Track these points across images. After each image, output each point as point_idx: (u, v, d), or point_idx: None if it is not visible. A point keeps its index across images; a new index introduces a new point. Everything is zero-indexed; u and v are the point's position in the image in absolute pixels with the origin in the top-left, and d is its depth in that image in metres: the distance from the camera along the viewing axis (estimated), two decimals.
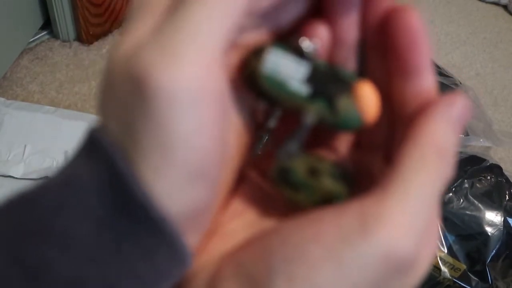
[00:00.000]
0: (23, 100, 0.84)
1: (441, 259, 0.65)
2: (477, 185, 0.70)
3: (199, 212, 0.19)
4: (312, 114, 0.21)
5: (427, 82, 0.21)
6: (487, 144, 0.79)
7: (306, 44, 0.21)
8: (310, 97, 0.21)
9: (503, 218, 0.68)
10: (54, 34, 0.94)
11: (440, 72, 0.86)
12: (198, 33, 0.17)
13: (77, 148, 0.19)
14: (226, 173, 0.22)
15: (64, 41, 0.94)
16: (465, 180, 0.70)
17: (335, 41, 0.22)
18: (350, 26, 0.22)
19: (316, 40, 0.21)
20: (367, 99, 0.21)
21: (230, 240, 0.21)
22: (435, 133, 0.20)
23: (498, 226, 0.67)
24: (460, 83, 0.85)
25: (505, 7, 1.04)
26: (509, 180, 0.72)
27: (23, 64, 0.90)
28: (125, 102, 0.17)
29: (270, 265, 0.18)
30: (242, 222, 0.22)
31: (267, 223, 0.22)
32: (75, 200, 0.17)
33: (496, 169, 0.73)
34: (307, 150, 0.23)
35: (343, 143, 0.24)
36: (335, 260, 0.17)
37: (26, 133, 0.78)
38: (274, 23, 0.22)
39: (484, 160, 0.74)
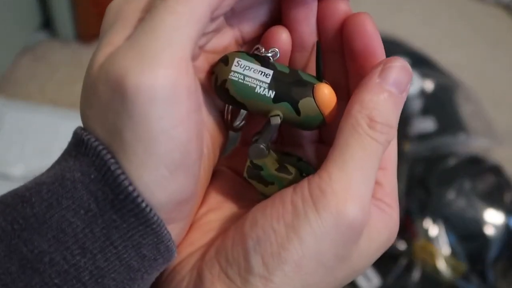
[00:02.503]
0: (22, 100, 0.84)
1: (442, 259, 0.65)
2: (478, 185, 0.70)
3: (182, 203, 0.20)
4: (278, 116, 0.23)
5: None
6: (487, 144, 0.79)
7: (269, 51, 0.23)
8: (275, 100, 0.23)
9: (504, 218, 0.68)
10: (53, 34, 0.94)
11: (441, 72, 0.86)
12: (169, 38, 0.19)
13: (66, 148, 0.21)
14: (204, 169, 0.23)
15: (63, 41, 0.94)
16: (466, 180, 0.70)
17: (296, 46, 0.24)
18: (309, 32, 0.24)
19: (278, 47, 0.23)
20: (326, 100, 0.23)
21: (210, 231, 0.23)
22: (365, 103, 0.21)
23: (499, 227, 0.67)
24: (460, 83, 0.85)
25: (506, 7, 1.04)
26: (509, 180, 0.72)
27: (22, 64, 0.90)
28: (107, 105, 0.19)
29: (245, 247, 0.20)
30: (220, 214, 0.24)
31: (242, 214, 0.23)
32: (67, 196, 0.19)
33: (496, 169, 0.73)
34: (274, 148, 0.25)
35: (307, 140, 0.26)
36: (297, 235, 0.19)
37: (26, 133, 0.78)
38: (237, 30, 0.24)
39: (484, 160, 0.74)
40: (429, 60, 0.87)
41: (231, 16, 0.23)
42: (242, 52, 0.23)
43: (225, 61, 0.23)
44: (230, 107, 0.25)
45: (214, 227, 0.23)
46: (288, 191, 0.21)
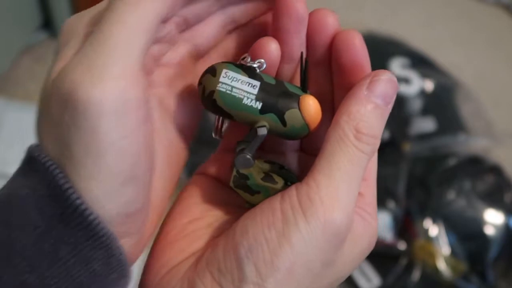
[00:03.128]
0: (22, 100, 0.84)
1: (442, 259, 0.65)
2: (478, 185, 0.70)
3: (133, 215, 0.21)
4: (264, 127, 0.24)
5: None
6: (487, 144, 0.79)
7: (256, 63, 0.24)
8: (262, 111, 0.23)
9: (504, 218, 0.68)
10: (53, 34, 0.94)
11: (440, 72, 0.86)
12: (117, 50, 0.19)
13: (19, 165, 0.21)
14: (160, 181, 0.24)
15: None
16: (466, 180, 0.70)
17: (285, 58, 0.24)
18: (299, 44, 0.24)
19: (267, 57, 0.24)
20: (312, 111, 0.24)
21: (198, 239, 0.23)
22: (352, 114, 0.22)
23: (499, 226, 0.67)
24: (460, 83, 0.85)
25: (506, 7, 1.04)
26: (509, 180, 0.72)
27: (22, 64, 0.90)
28: (58, 119, 0.19)
29: (238, 256, 0.20)
30: (205, 222, 0.24)
31: (228, 221, 0.24)
32: (16, 214, 0.19)
33: (496, 169, 0.73)
34: (260, 156, 0.26)
35: (289, 148, 0.27)
36: (288, 242, 0.20)
37: (26, 133, 0.78)
38: (191, 43, 0.25)
39: (484, 160, 0.74)
40: (429, 60, 0.87)
41: (185, 29, 0.24)
42: (229, 63, 0.24)
43: (212, 72, 0.24)
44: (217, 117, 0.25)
45: (201, 235, 0.24)
46: (276, 199, 0.21)
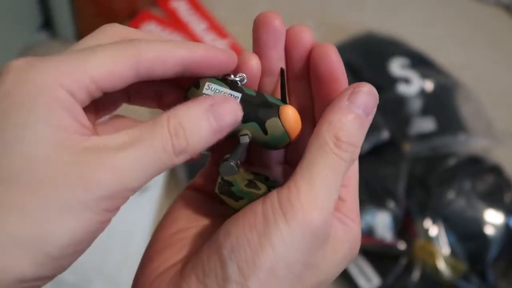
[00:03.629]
0: None
1: (442, 259, 0.65)
2: (478, 185, 0.70)
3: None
4: (246, 136, 0.25)
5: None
6: (487, 144, 0.79)
7: (238, 77, 0.25)
8: (244, 120, 0.24)
9: (504, 218, 0.68)
10: (53, 34, 0.94)
11: (440, 72, 0.86)
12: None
13: None
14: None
15: (63, 41, 0.93)
16: (466, 180, 0.70)
17: (265, 72, 0.26)
18: (277, 58, 0.26)
19: (249, 72, 0.25)
20: (291, 120, 0.25)
21: (184, 247, 0.25)
22: (333, 123, 0.23)
23: (499, 226, 0.67)
24: (460, 83, 0.85)
25: (506, 8, 1.04)
26: (509, 180, 0.72)
27: None
28: None
29: (221, 257, 0.21)
30: (192, 232, 0.25)
31: (213, 231, 0.24)
32: None
33: (496, 169, 0.73)
34: (244, 168, 0.27)
35: (274, 161, 0.28)
36: (269, 243, 0.21)
37: None
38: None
39: (484, 160, 0.74)
40: (429, 60, 0.87)
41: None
42: (212, 77, 0.25)
43: (196, 85, 0.25)
44: None
45: (187, 244, 0.25)
46: (258, 203, 0.22)
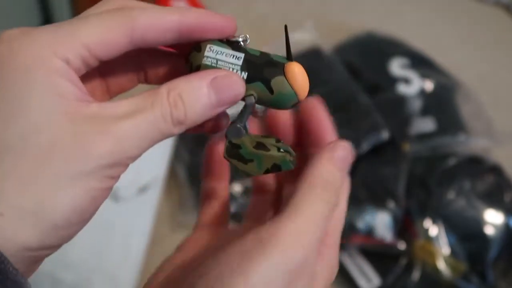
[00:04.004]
0: None
1: (442, 259, 0.65)
2: (478, 185, 0.70)
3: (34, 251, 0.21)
4: (252, 96, 0.24)
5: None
6: (487, 144, 0.79)
7: (240, 37, 0.25)
8: (248, 81, 0.24)
9: (503, 218, 0.68)
10: None
11: (440, 72, 0.86)
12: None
13: None
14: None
15: None
16: (466, 180, 0.70)
17: None
18: None
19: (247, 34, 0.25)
20: (297, 77, 0.24)
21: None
22: (320, 170, 0.25)
23: (499, 226, 0.67)
24: (460, 83, 0.85)
25: (506, 8, 1.04)
26: (509, 180, 0.72)
27: None
28: None
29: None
30: (191, 268, 0.27)
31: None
32: None
33: (496, 169, 0.73)
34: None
35: (271, 180, 0.32)
36: (246, 278, 0.21)
37: None
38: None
39: (484, 160, 0.74)
40: (429, 60, 0.87)
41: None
42: (214, 40, 0.25)
43: (197, 48, 0.24)
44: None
45: (181, 278, 0.26)
46: (236, 239, 0.23)
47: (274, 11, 0.96)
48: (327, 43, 0.87)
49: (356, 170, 0.71)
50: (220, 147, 0.31)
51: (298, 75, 0.25)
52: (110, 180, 0.21)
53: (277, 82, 0.24)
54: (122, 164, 0.21)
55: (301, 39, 0.86)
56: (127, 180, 0.67)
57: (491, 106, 0.85)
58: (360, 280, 0.65)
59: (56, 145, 0.20)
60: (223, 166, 0.32)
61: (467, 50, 0.97)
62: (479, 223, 0.67)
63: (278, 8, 0.97)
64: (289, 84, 0.24)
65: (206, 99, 0.22)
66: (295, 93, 0.25)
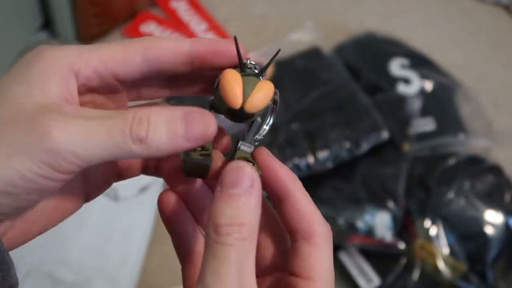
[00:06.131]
0: None
1: (441, 259, 0.65)
2: (478, 185, 0.70)
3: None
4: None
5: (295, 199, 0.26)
6: (487, 144, 0.79)
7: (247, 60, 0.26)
8: None
9: (503, 218, 0.68)
10: (53, 34, 0.94)
11: (440, 72, 0.86)
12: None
13: None
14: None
15: (63, 41, 0.94)
16: (466, 180, 0.70)
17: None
18: None
19: None
20: (223, 85, 0.24)
21: None
22: (212, 214, 0.22)
23: (499, 226, 0.67)
24: (460, 83, 0.85)
25: (506, 8, 1.04)
26: (509, 180, 0.72)
27: None
28: None
29: None
30: None
31: None
32: None
33: (496, 169, 0.73)
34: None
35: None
36: None
37: None
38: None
39: (484, 160, 0.74)
40: (429, 60, 0.87)
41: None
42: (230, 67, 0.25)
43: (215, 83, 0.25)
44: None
45: None
46: None
47: (274, 11, 0.96)
48: (327, 43, 0.87)
49: (356, 170, 0.71)
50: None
51: (226, 82, 0.24)
52: (50, 170, 0.21)
53: (217, 91, 0.25)
54: (66, 159, 0.21)
55: (301, 39, 0.86)
56: (127, 180, 0.68)
57: (491, 106, 0.85)
58: (360, 280, 0.65)
59: (12, 120, 0.21)
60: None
61: (467, 50, 0.97)
62: (479, 223, 0.67)
63: (278, 8, 0.97)
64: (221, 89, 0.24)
65: (173, 126, 0.22)
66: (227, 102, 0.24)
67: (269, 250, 0.28)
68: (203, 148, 0.26)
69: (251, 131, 0.26)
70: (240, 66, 0.25)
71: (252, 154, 0.26)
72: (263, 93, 0.24)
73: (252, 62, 0.26)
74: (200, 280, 0.21)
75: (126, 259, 0.64)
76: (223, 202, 0.22)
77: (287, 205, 0.26)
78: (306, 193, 0.26)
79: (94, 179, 0.28)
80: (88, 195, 0.28)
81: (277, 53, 0.25)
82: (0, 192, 0.21)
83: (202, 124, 0.23)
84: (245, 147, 0.26)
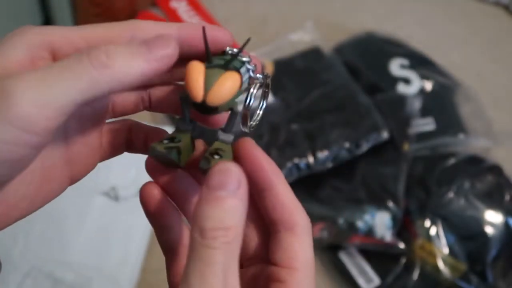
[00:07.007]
0: None
1: (441, 259, 0.65)
2: (478, 185, 0.70)
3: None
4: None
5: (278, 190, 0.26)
6: (487, 144, 0.79)
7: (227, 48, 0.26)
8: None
9: (503, 218, 0.68)
10: None
11: (440, 72, 0.86)
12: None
13: None
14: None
15: None
16: (465, 180, 0.70)
17: None
18: None
19: None
20: (188, 77, 0.23)
21: None
22: (197, 217, 0.21)
23: (499, 226, 0.67)
24: (460, 83, 0.85)
25: (506, 7, 1.04)
26: (509, 180, 0.72)
27: None
28: None
29: None
30: None
31: None
32: None
33: (496, 169, 0.73)
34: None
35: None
36: None
37: None
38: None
39: (484, 160, 0.74)
40: (429, 60, 0.87)
41: None
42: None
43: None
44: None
45: None
46: None
47: (274, 11, 0.96)
48: (327, 43, 0.87)
49: (356, 170, 0.71)
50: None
51: (186, 75, 0.24)
52: (22, 133, 0.21)
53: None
54: (40, 115, 0.21)
55: (301, 39, 0.86)
56: (127, 180, 0.68)
57: (491, 106, 0.85)
58: (360, 280, 0.65)
59: None
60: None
61: (467, 50, 0.97)
62: (479, 223, 0.67)
63: (278, 8, 0.97)
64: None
65: (134, 46, 0.22)
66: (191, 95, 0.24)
67: (251, 241, 0.28)
68: (173, 139, 0.26)
69: (229, 122, 0.25)
70: (207, 57, 0.24)
71: (233, 144, 0.26)
72: (227, 85, 0.23)
73: (235, 50, 0.25)
74: (185, 281, 0.21)
75: (126, 259, 0.64)
76: (210, 205, 0.22)
77: (270, 195, 0.25)
78: (288, 185, 0.26)
79: (77, 158, 0.27)
80: (73, 177, 0.28)
81: (248, 41, 0.24)
82: None
83: (162, 41, 0.23)
84: (224, 137, 0.26)
